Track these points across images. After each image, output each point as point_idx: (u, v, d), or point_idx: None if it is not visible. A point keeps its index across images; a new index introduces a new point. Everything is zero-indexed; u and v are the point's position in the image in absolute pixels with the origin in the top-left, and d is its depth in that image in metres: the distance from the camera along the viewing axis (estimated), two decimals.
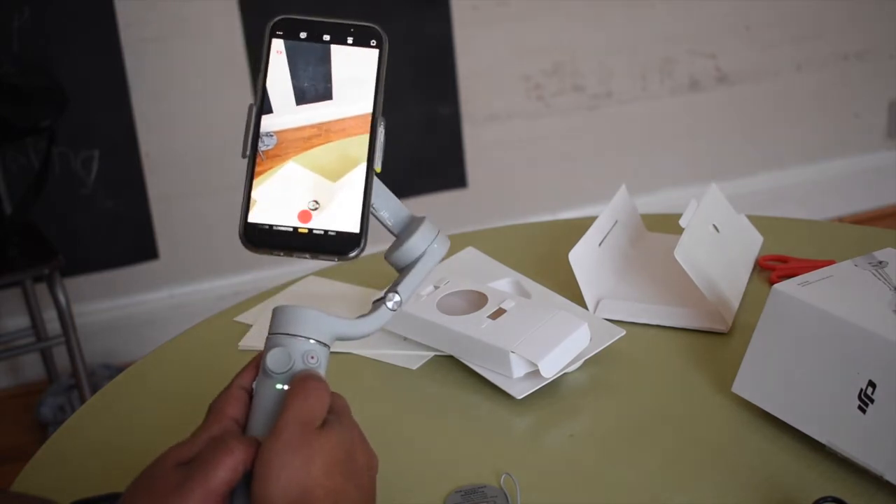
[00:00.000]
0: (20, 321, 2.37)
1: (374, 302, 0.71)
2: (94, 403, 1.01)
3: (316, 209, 0.67)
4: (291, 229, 0.67)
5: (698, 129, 2.80)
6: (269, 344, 0.67)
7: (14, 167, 2.25)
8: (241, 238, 0.67)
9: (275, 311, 0.68)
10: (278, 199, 0.67)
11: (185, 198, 2.45)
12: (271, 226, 0.67)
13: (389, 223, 0.72)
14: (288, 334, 0.67)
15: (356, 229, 0.67)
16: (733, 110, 2.80)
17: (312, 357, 0.66)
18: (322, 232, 0.67)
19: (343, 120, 0.68)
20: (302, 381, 0.65)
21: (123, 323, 2.48)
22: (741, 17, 2.71)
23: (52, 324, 2.23)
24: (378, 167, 0.68)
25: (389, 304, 0.70)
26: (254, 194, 0.67)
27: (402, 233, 0.72)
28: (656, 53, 2.68)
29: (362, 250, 0.67)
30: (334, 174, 0.68)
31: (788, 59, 2.79)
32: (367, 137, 0.68)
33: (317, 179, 0.68)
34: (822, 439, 0.83)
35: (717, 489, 0.82)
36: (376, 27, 0.69)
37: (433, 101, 2.54)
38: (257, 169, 0.68)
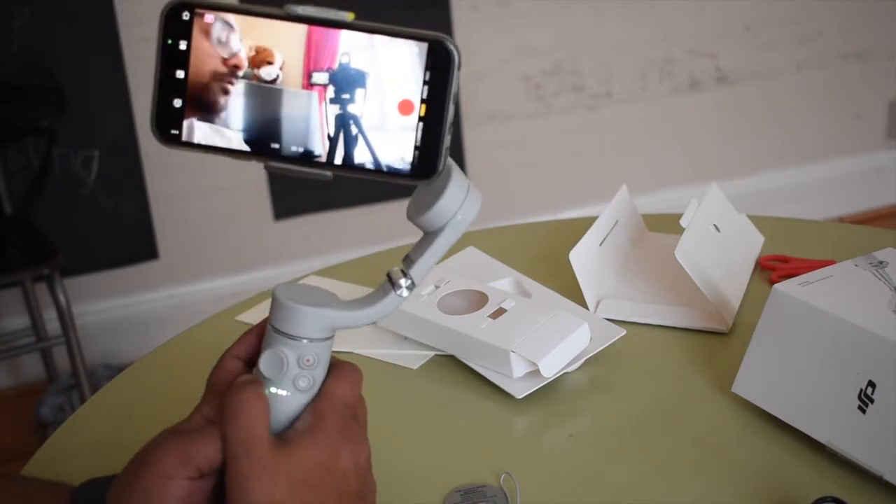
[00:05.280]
0: (20, 321, 2.37)
1: (387, 281, 0.64)
2: (94, 403, 1.01)
3: None
4: None
5: (698, 129, 2.80)
6: (267, 340, 0.65)
7: (14, 167, 2.25)
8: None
9: (274, 299, 0.65)
10: None
11: (185, 198, 2.45)
12: None
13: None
14: (284, 334, 0.65)
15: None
16: (733, 110, 2.80)
17: (308, 360, 0.65)
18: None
19: None
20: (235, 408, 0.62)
21: (123, 323, 2.48)
22: (741, 17, 2.72)
23: (52, 324, 2.23)
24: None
25: (402, 293, 0.64)
26: None
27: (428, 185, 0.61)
28: (656, 53, 2.68)
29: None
30: None
31: (788, 59, 2.79)
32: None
33: None
34: (822, 439, 0.83)
35: (718, 489, 0.82)
36: None
37: None
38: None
